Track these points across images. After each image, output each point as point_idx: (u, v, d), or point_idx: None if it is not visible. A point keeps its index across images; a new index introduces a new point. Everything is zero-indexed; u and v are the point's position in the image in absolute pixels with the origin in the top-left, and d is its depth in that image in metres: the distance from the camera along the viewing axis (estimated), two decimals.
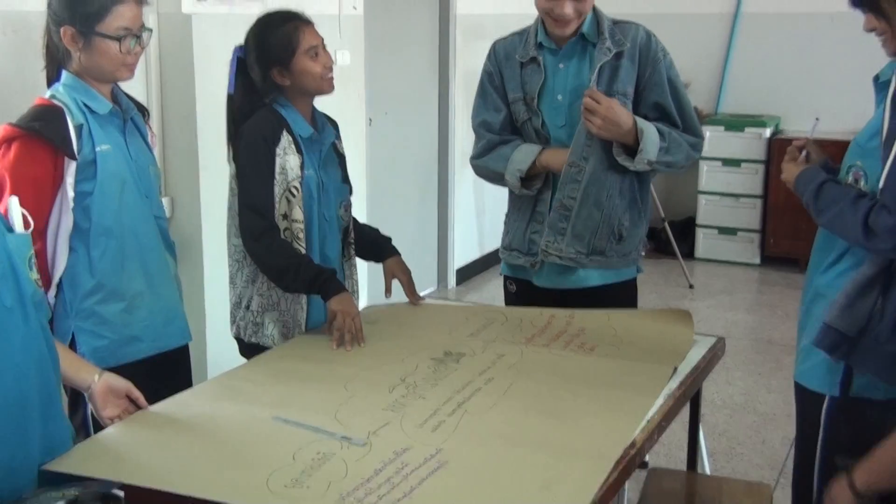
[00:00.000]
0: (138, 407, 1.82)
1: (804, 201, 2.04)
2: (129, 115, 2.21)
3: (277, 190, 2.26)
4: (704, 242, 6.30)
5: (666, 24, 6.41)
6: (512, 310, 2.50)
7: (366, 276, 3.64)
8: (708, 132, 6.18)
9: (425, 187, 5.34)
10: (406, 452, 1.67)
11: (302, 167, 2.27)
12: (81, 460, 1.62)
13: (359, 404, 1.90)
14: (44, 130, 2.00)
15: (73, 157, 2.04)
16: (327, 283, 2.24)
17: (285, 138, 2.26)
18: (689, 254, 6.22)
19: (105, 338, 2.14)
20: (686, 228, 6.36)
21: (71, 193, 2.06)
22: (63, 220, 2.06)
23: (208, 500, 1.49)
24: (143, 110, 2.33)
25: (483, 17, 5.48)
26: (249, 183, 2.24)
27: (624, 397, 1.92)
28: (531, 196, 2.51)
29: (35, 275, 1.58)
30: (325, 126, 2.39)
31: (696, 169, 6.29)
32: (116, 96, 2.20)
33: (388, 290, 2.55)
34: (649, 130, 2.38)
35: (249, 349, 2.35)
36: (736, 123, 6.11)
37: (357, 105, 4.40)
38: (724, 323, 4.97)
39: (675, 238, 5.92)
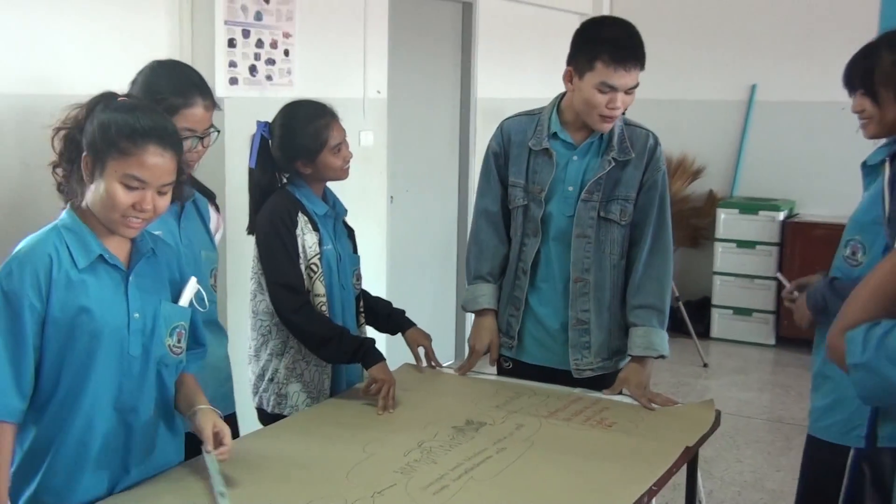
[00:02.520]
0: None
1: (824, 305, 2.22)
2: (189, 199, 2.28)
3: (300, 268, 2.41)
4: (720, 322, 6.37)
5: (684, 110, 6.68)
6: (542, 386, 2.57)
7: (383, 346, 3.77)
8: (723, 214, 6.33)
9: (444, 263, 5.49)
10: None
11: (320, 243, 2.43)
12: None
13: (372, 465, 2.01)
14: None
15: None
16: (369, 353, 2.40)
17: (301, 219, 2.42)
18: (704, 333, 6.29)
19: None
20: (702, 308, 6.44)
21: None
22: None
23: None
24: (210, 195, 2.44)
25: (503, 101, 5.69)
26: (277, 262, 2.39)
27: (625, 471, 2.01)
28: (509, 282, 2.65)
29: (172, 341, 1.90)
30: (336, 201, 2.56)
31: (712, 250, 6.41)
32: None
33: (418, 360, 2.69)
34: (660, 345, 2.53)
35: (271, 419, 2.46)
36: (750, 206, 6.24)
37: (379, 183, 4.60)
38: (736, 402, 5.02)
39: (690, 317, 6.00)
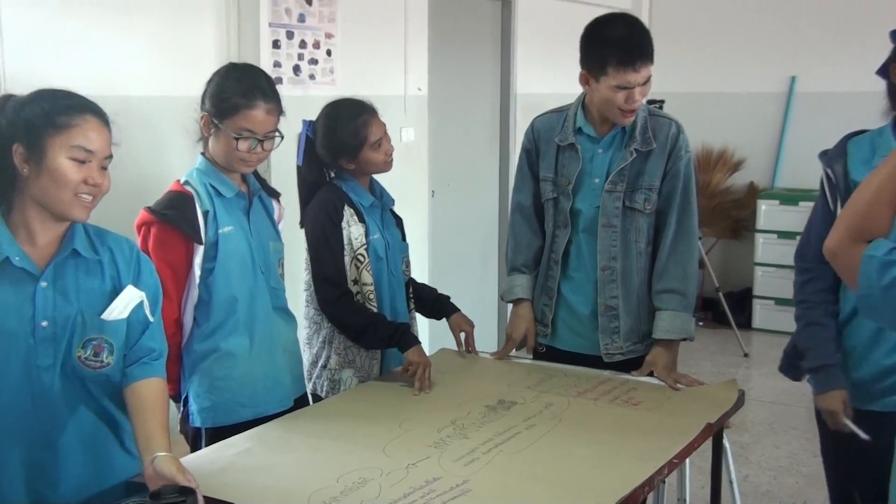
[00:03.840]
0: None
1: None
2: (255, 195, 2.40)
3: (347, 259, 2.54)
4: (761, 313, 6.40)
5: (724, 103, 6.71)
6: (573, 368, 2.68)
7: (427, 330, 3.90)
8: (764, 206, 6.36)
9: (485, 255, 5.61)
10: (436, 481, 1.91)
11: (367, 234, 2.57)
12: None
13: (408, 440, 2.14)
14: (175, 219, 2.23)
15: (200, 243, 2.25)
16: (404, 337, 2.53)
17: (347, 212, 2.55)
18: (745, 324, 6.33)
19: (210, 400, 2.32)
20: (743, 299, 6.47)
21: (198, 272, 2.27)
22: (191, 294, 2.28)
23: None
24: (275, 194, 2.53)
25: (541, 97, 5.79)
26: (321, 257, 2.53)
27: (647, 445, 2.11)
28: (542, 273, 2.76)
29: (85, 353, 1.76)
30: (384, 191, 2.70)
31: (753, 241, 6.44)
32: (246, 178, 2.40)
33: (459, 345, 2.82)
34: (685, 327, 2.60)
35: None
36: (791, 197, 6.26)
37: (420, 178, 4.73)
38: (776, 391, 5.06)
39: (732, 309, 6.05)
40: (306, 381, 2.65)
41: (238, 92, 2.28)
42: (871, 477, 2.26)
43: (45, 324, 1.73)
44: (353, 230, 2.55)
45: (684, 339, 2.63)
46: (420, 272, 4.69)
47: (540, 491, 1.87)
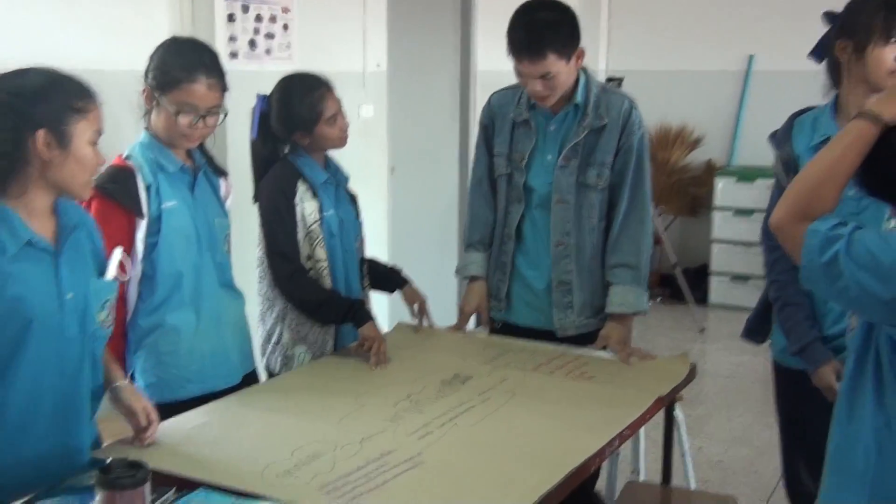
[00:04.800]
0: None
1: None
2: (201, 170, 2.37)
3: (300, 235, 2.54)
4: (717, 289, 6.49)
5: (681, 81, 6.76)
6: (529, 343, 2.70)
7: (386, 308, 3.91)
8: (721, 183, 6.44)
9: (446, 232, 5.62)
10: (390, 454, 1.92)
11: (320, 210, 2.56)
12: (119, 447, 1.93)
13: (363, 415, 2.15)
14: (115, 193, 2.21)
15: (141, 216, 2.22)
16: (358, 313, 2.53)
17: (301, 188, 2.54)
18: (702, 300, 6.42)
19: (156, 375, 2.31)
20: (700, 275, 6.56)
21: (140, 246, 2.24)
22: (135, 269, 2.24)
23: (211, 483, 1.76)
24: (221, 173, 2.49)
25: (502, 74, 5.78)
26: (275, 232, 2.53)
27: (599, 416, 2.14)
28: (496, 248, 2.78)
29: (103, 315, 1.87)
30: (338, 168, 2.69)
31: (709, 218, 6.52)
32: (191, 153, 2.38)
33: (414, 315, 2.82)
34: (638, 301, 2.65)
35: None
36: (747, 174, 6.34)
37: (380, 155, 4.72)
38: (729, 365, 5.15)
39: (689, 284, 6.13)
40: (260, 357, 2.64)
41: (179, 66, 2.26)
42: (821, 437, 2.34)
43: (69, 296, 1.79)
44: (306, 206, 2.54)
45: (636, 314, 2.67)
46: (379, 249, 4.69)
47: (492, 463, 1.89)
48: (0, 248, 1.70)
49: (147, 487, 1.40)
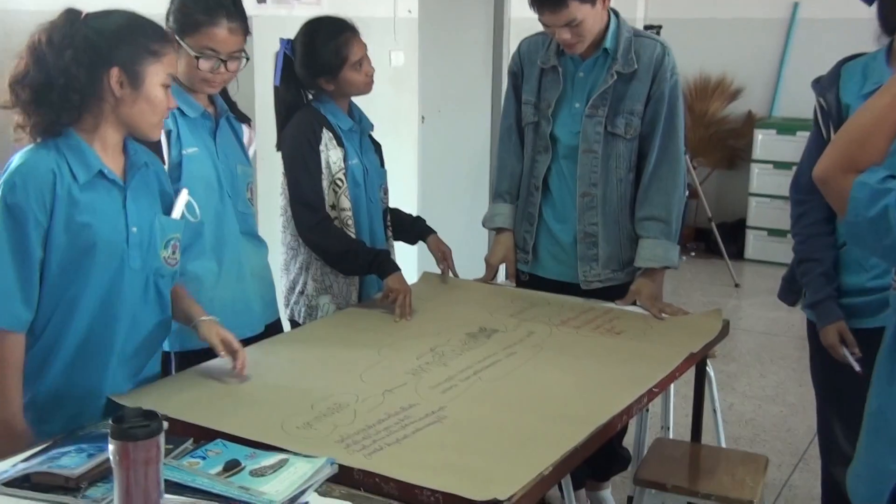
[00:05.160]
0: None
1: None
2: (223, 116, 2.32)
3: (325, 184, 2.48)
4: (754, 244, 6.37)
5: (722, 30, 6.56)
6: (556, 296, 2.65)
7: (415, 259, 3.86)
8: (760, 135, 6.28)
9: (476, 183, 5.55)
10: (412, 408, 1.88)
11: (345, 158, 2.50)
12: (137, 397, 1.89)
13: (385, 367, 2.12)
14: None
15: (162, 162, 2.19)
16: (384, 264, 2.48)
17: (325, 135, 2.48)
18: (738, 255, 6.30)
19: (177, 324, 2.26)
20: (736, 230, 6.44)
21: None
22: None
23: (230, 433, 1.73)
24: (244, 119, 2.44)
25: (536, 21, 5.66)
26: (299, 180, 2.47)
27: (627, 373, 2.09)
28: (523, 199, 2.72)
29: (167, 253, 1.95)
30: (362, 116, 2.62)
31: (748, 171, 6.37)
32: (213, 99, 2.33)
33: (440, 263, 2.76)
34: (668, 256, 2.56)
35: None
36: (788, 127, 6.17)
37: (410, 103, 4.64)
38: (765, 321, 5.06)
39: (725, 239, 6.02)
40: (283, 308, 2.61)
41: (200, 8, 2.20)
42: (857, 398, 2.28)
43: (134, 229, 1.86)
44: (331, 154, 2.49)
45: (667, 268, 2.59)
46: (408, 199, 4.64)
47: (515, 419, 1.85)
48: (72, 176, 1.79)
49: (161, 438, 1.37)
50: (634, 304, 2.58)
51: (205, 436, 1.73)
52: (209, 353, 2.17)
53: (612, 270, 2.63)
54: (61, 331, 1.85)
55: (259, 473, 1.56)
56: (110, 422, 1.37)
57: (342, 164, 2.49)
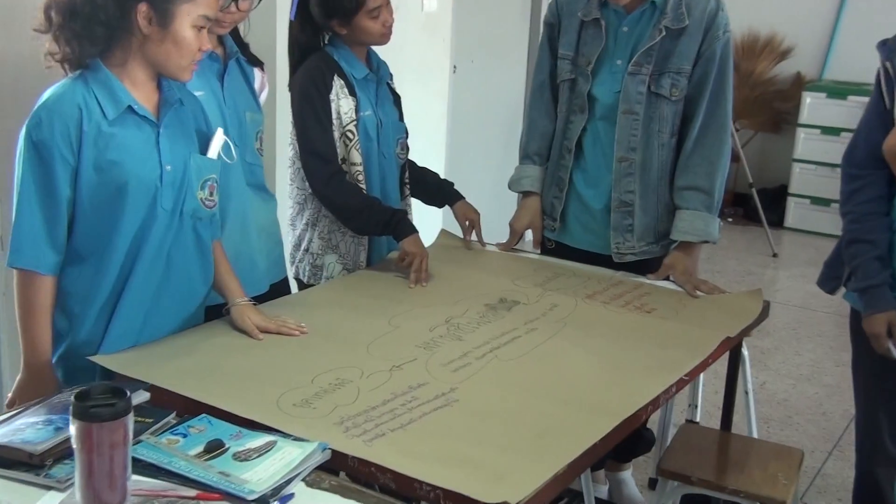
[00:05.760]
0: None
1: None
2: (232, 58, 2.18)
3: (335, 135, 2.31)
4: (795, 212, 6.12)
5: None
6: (584, 267, 2.48)
7: (440, 221, 3.69)
8: (809, 98, 5.98)
9: (509, 140, 5.33)
10: (420, 388, 1.72)
11: (357, 109, 2.32)
12: (124, 361, 1.76)
13: (395, 339, 1.96)
14: None
15: None
16: (400, 224, 2.32)
17: (337, 83, 2.30)
18: (777, 223, 6.06)
19: None
20: (777, 197, 6.18)
21: None
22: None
23: (219, 408, 1.59)
24: (256, 62, 2.30)
25: None
26: (310, 130, 2.30)
27: (657, 358, 1.91)
28: (553, 161, 2.52)
29: (204, 194, 1.87)
30: (381, 65, 2.43)
31: (793, 136, 6.09)
32: (223, 39, 2.19)
33: (465, 233, 2.61)
34: (707, 229, 2.36)
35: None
36: (839, 91, 5.87)
37: (442, 51, 4.42)
38: (802, 294, 4.84)
39: (765, 206, 5.77)
40: (289, 265, 2.46)
41: None
42: None
43: (168, 168, 1.79)
44: (342, 104, 2.31)
45: (706, 242, 2.40)
46: (437, 155, 4.44)
47: (532, 405, 1.68)
48: (101, 112, 1.72)
49: (129, 419, 1.23)
50: (667, 279, 2.39)
51: (191, 409, 1.59)
52: (207, 315, 2.04)
53: (648, 243, 2.44)
54: (95, 276, 1.77)
55: (243, 457, 1.42)
56: (72, 399, 1.23)
57: (353, 116, 2.31)
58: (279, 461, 1.41)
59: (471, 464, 1.46)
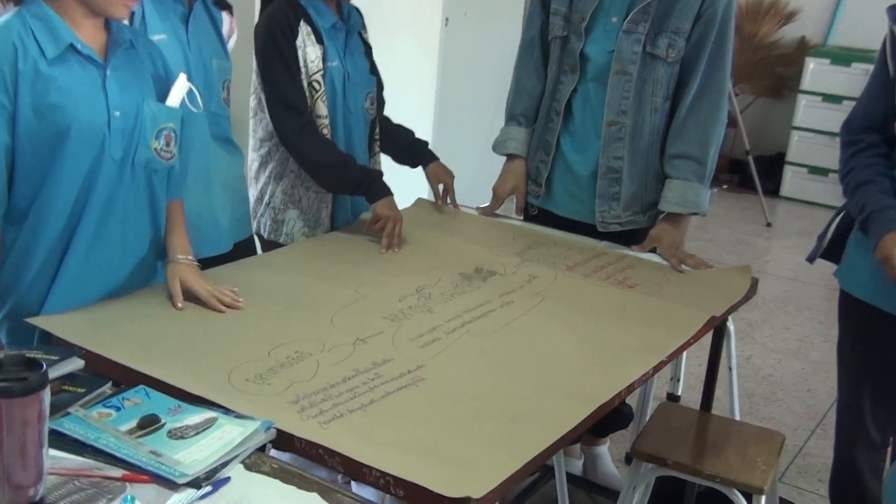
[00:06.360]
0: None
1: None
2: (197, 0, 2.04)
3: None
4: (792, 181, 6.00)
5: None
6: (566, 236, 2.37)
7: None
8: (812, 64, 5.83)
9: (501, 98, 5.17)
10: (385, 364, 1.62)
11: (324, 59, 2.19)
12: (63, 323, 1.65)
13: (361, 309, 1.85)
14: None
15: None
16: (375, 185, 2.20)
17: (303, 29, 2.16)
18: (773, 191, 5.95)
19: None
20: (774, 164, 6.05)
21: None
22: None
23: (164, 381, 1.48)
24: (224, 5, 2.17)
25: None
26: (278, 78, 2.16)
27: (638, 337, 1.80)
28: (541, 124, 2.40)
29: (159, 144, 1.73)
30: (352, 12, 2.29)
31: (793, 103, 5.95)
32: None
33: (437, 197, 2.50)
34: (697, 201, 2.24)
35: (269, 246, 2.32)
36: (844, 57, 5.72)
37: (433, 3, 4.26)
38: (794, 266, 4.73)
39: (761, 173, 5.64)
40: (251, 219, 2.33)
41: None
42: (887, 375, 2.01)
43: (117, 114, 1.66)
44: (308, 52, 2.17)
45: (695, 214, 2.28)
46: (424, 114, 4.30)
47: (502, 387, 1.57)
48: (39, 51, 1.59)
49: (44, 394, 1.12)
50: (653, 251, 2.28)
51: (133, 380, 1.48)
52: (218, 262, 1.98)
53: (634, 212, 2.33)
54: (37, 229, 1.66)
55: (178, 435, 1.31)
56: None
57: (321, 65, 2.18)
58: (217, 440, 1.31)
59: (433, 451, 1.36)
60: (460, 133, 4.48)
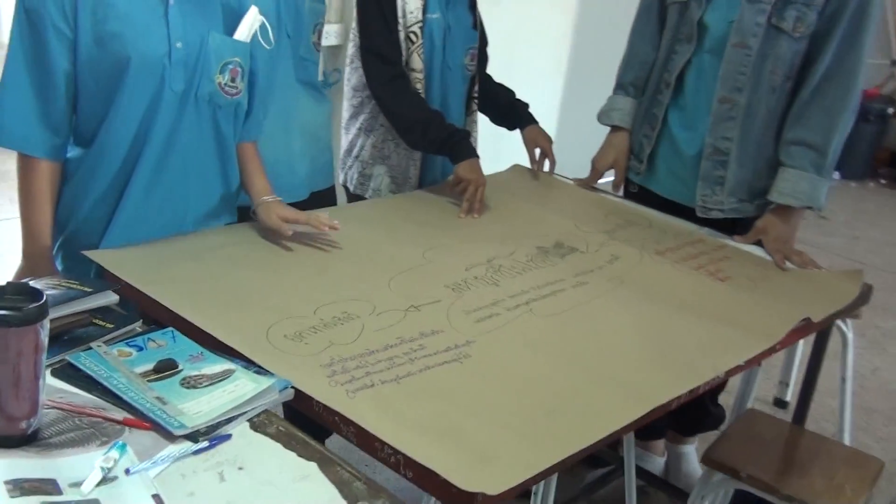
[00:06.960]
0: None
1: None
2: None
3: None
4: None
5: None
6: (664, 218, 2.21)
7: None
8: None
9: None
10: (433, 335, 1.53)
11: (424, 10, 2.09)
12: (116, 258, 1.64)
13: (423, 274, 1.76)
14: None
15: None
16: (459, 146, 2.10)
17: None
18: None
19: None
20: None
21: None
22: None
23: (199, 327, 1.45)
24: None
25: None
26: (372, 26, 2.09)
27: (719, 335, 1.64)
28: (649, 96, 2.22)
29: (224, 79, 1.66)
30: None
31: None
32: None
33: (533, 161, 2.39)
34: (813, 194, 2.02)
35: (354, 200, 2.27)
36: None
37: None
38: None
39: None
40: (339, 171, 2.28)
41: None
42: None
43: (179, 45, 1.60)
44: (408, 1, 2.08)
45: (809, 209, 2.06)
46: (554, 75, 4.12)
47: (549, 375, 1.45)
48: None
49: (42, 326, 1.09)
50: (758, 244, 2.08)
51: (171, 322, 1.46)
52: (241, 215, 1.90)
53: (739, 200, 2.13)
54: (98, 161, 1.64)
55: (190, 384, 1.27)
56: None
57: (420, 16, 2.08)
58: (228, 394, 1.26)
59: (455, 436, 1.26)
60: (590, 97, 4.28)
